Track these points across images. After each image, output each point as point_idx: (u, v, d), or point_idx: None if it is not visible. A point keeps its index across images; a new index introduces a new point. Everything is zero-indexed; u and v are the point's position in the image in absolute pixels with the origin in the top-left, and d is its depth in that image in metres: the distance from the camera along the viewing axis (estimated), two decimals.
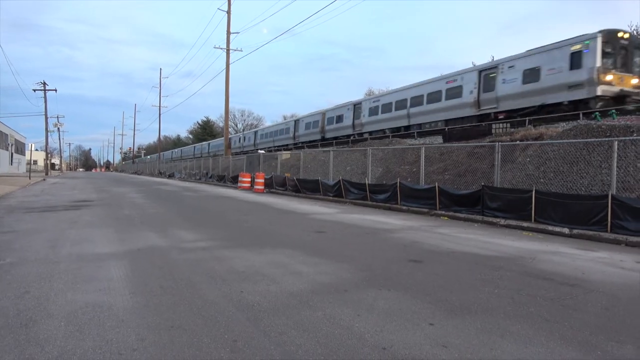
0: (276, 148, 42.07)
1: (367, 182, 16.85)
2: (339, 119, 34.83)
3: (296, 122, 42.09)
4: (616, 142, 10.31)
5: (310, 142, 37.12)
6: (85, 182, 34.74)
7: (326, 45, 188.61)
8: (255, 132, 54.09)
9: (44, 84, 54.81)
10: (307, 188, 20.29)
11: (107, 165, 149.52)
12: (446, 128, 24.11)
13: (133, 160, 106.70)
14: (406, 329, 3.60)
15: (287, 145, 42.22)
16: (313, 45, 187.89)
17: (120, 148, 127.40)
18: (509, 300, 4.47)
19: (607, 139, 11.65)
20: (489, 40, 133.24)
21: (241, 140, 57.36)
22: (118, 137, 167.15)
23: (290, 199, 19.09)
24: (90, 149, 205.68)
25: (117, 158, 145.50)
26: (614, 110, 16.88)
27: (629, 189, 11.10)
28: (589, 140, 12.43)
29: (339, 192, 17.90)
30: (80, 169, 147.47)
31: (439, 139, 23.33)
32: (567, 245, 8.33)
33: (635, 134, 13.11)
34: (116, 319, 3.78)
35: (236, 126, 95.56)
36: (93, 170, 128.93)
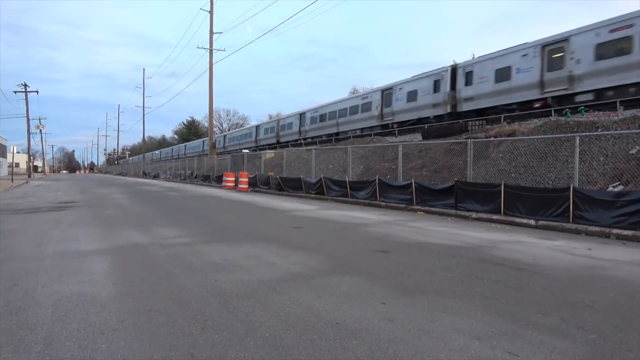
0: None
1: (347, 179, 17.31)
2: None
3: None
4: (577, 138, 10.89)
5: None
6: (69, 184, 34.69)
7: (311, 44, 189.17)
8: (302, 115, 42.21)
9: (25, 85, 54.34)
10: (290, 186, 20.69)
11: (91, 167, 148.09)
12: (425, 126, 24.75)
13: (117, 162, 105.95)
14: (360, 308, 4.04)
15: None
16: (298, 44, 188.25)
17: (105, 149, 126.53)
18: (459, 283, 4.94)
19: (570, 134, 12.24)
20: (468, 39, 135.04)
21: (306, 123, 41.43)
22: (102, 138, 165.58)
23: (273, 197, 19.49)
24: (73, 151, 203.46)
25: (102, 159, 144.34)
26: (582, 107, 17.56)
27: (592, 182, 11.71)
28: (554, 136, 13.05)
29: (320, 190, 18.33)
30: (64, 171, 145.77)
31: (418, 137, 23.92)
32: (531, 235, 8.86)
33: (599, 130, 13.75)
34: (99, 305, 4.16)
35: (221, 126, 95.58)
36: (77, 172, 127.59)
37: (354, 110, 34.32)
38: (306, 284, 4.87)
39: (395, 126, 29.16)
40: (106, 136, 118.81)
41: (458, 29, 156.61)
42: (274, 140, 47.71)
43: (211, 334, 3.44)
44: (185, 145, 76.27)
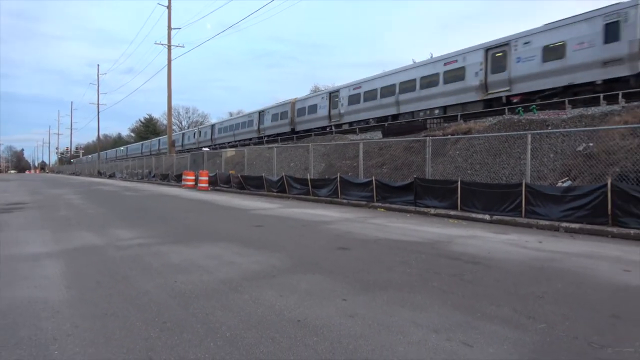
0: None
1: (309, 177, 17.34)
2: None
3: None
4: (529, 135, 11.34)
5: None
6: (17, 184, 33.08)
7: (273, 41, 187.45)
8: (332, 94, 33.21)
9: None
10: (252, 184, 20.53)
11: (43, 167, 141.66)
12: (385, 124, 25.07)
13: (70, 161, 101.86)
14: (321, 305, 4.08)
15: None
16: (259, 40, 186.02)
17: (57, 148, 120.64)
18: (417, 278, 5.07)
19: (522, 132, 12.73)
20: (428, 39, 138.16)
21: (342, 104, 31.69)
22: (54, 136, 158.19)
23: (234, 195, 19.29)
24: (22, 150, 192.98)
25: (54, 159, 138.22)
26: (534, 105, 18.29)
27: (543, 178, 12.23)
28: (508, 133, 13.53)
29: (282, 188, 18.28)
30: (12, 171, 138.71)
31: (378, 134, 24.24)
32: (486, 230, 9.16)
33: (550, 127, 14.39)
34: (51, 311, 4.01)
35: (180, 123, 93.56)
36: (27, 172, 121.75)
37: (429, 81, 24.38)
38: (267, 283, 4.86)
39: (513, 100, 20.09)
40: (58, 134, 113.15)
41: (419, 29, 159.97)
42: (286, 129, 36.48)
43: (170, 336, 3.38)
44: (159, 140, 71.40)
